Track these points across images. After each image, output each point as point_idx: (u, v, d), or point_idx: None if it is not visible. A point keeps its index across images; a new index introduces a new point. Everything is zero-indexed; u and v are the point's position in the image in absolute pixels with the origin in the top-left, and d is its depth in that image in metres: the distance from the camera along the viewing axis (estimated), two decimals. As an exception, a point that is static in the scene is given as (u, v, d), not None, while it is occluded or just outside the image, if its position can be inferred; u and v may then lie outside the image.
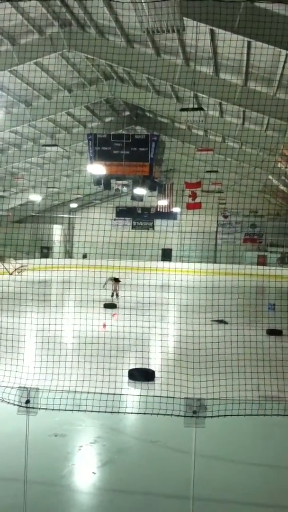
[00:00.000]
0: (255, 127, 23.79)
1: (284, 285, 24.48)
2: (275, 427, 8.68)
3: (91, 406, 6.97)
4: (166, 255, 42.74)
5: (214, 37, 15.36)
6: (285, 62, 14.88)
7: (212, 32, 14.90)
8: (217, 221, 44.13)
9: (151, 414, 6.30)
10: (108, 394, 6.96)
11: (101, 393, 6.98)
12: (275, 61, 15.24)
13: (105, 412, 6.64)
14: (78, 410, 7.00)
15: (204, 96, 20.59)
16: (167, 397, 6.32)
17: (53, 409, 6.56)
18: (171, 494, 6.74)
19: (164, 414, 6.10)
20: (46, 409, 6.36)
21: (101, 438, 8.45)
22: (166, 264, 38.79)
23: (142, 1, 10.48)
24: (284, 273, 25.71)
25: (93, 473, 7.37)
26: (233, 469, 7.58)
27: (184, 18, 12.08)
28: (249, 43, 14.51)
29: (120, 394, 7.60)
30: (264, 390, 9.80)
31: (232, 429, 8.52)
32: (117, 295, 23.79)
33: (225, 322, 17.53)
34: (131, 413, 8.03)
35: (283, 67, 15.33)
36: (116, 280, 24.02)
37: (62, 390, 6.97)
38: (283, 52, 13.95)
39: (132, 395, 8.94)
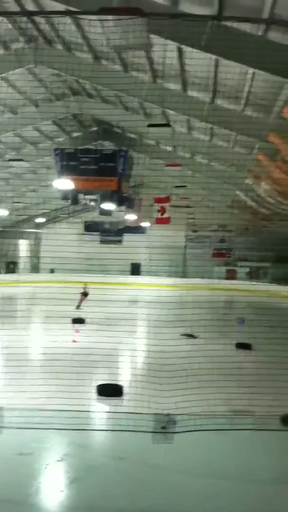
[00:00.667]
0: (223, 143, 24.05)
1: (252, 299, 24.70)
2: (244, 441, 8.66)
3: (58, 424, 6.87)
4: (135, 269, 42.69)
5: (182, 55, 15.51)
6: (252, 79, 15.09)
7: (179, 50, 15.05)
8: (186, 235, 44.35)
9: (119, 430, 6.23)
10: (74, 411, 6.86)
11: (68, 411, 6.87)
12: (242, 79, 15.46)
13: (72, 429, 6.53)
14: (44, 428, 6.88)
15: (172, 112, 20.74)
16: (135, 413, 6.26)
17: (18, 428, 6.44)
18: (140, 510, 6.64)
19: (132, 431, 6.03)
20: (11, 427, 6.23)
21: (69, 456, 8.30)
22: (135, 278, 38.74)
23: (109, 18, 10.51)
24: (252, 288, 25.92)
25: (61, 491, 7.24)
26: (203, 484, 7.52)
27: (151, 36, 12.17)
28: (216, 60, 14.68)
29: (87, 411, 7.49)
30: (233, 405, 9.82)
31: (201, 444, 8.46)
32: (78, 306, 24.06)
33: (194, 337, 17.57)
34: (99, 430, 7.92)
35: (250, 85, 15.54)
36: (85, 295, 24.20)
37: (28, 409, 6.84)
38: (250, 69, 14.15)
39: (99, 412, 8.85)
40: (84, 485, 7.50)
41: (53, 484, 7.49)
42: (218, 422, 6.51)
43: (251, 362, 11.99)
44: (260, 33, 12.35)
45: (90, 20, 12.23)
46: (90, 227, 46.55)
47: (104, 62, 18.45)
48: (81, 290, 24.72)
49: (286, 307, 28.72)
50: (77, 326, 18.76)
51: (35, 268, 45.94)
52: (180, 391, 9.45)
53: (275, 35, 12.19)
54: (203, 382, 9.97)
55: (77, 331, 17.50)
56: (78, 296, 23.76)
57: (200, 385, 9.62)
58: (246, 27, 12.02)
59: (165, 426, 5.47)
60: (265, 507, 6.99)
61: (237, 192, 30.99)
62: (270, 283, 36.33)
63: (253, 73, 14.36)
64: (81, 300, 24.00)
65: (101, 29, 11.92)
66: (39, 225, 46.75)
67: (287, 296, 34.10)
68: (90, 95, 23.60)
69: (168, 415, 5.59)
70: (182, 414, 6.24)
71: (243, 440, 8.60)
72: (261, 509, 6.93)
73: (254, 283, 29.42)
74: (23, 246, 45.97)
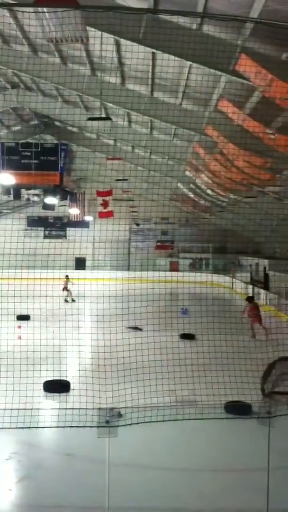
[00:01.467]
0: (163, 136, 24.24)
1: (196, 291, 25.03)
2: (190, 430, 8.82)
3: (4, 422, 6.80)
4: (80, 264, 42.50)
5: (120, 48, 15.52)
6: (189, 72, 15.27)
7: (117, 43, 15.05)
8: (130, 229, 44.49)
9: (64, 427, 6.24)
10: (20, 409, 6.81)
11: (13, 409, 6.82)
12: (179, 72, 15.63)
13: (17, 428, 6.49)
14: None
15: (112, 105, 20.74)
16: (79, 408, 6.28)
17: None
18: (88, 506, 6.69)
19: (77, 426, 6.05)
20: None
21: (17, 454, 8.25)
22: (80, 273, 38.57)
23: (44, 10, 10.39)
24: (195, 279, 26.24)
25: (9, 490, 7.19)
26: (149, 476, 7.64)
27: (88, 28, 12.12)
28: (153, 54, 14.77)
29: (32, 409, 7.45)
30: (179, 395, 9.98)
31: (147, 436, 8.57)
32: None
33: (139, 329, 17.67)
34: (44, 427, 7.89)
35: (187, 78, 15.72)
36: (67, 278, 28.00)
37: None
38: (187, 63, 14.31)
39: (45, 409, 8.81)
40: (32, 483, 7.48)
41: (1, 483, 7.43)
42: (162, 413, 6.61)
43: (195, 352, 12.18)
44: (195, 26, 12.51)
45: (24, 12, 12.06)
46: (33, 222, 45.99)
47: (42, 55, 18.22)
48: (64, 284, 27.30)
49: (227, 297, 29.35)
50: (22, 323, 18.56)
51: (-24, 265, 45.03)
52: (128, 383, 9.55)
53: (209, 29, 12.37)
54: (148, 374, 10.08)
55: (19, 327, 17.31)
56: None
57: (145, 377, 9.73)
58: (181, 20, 12.15)
59: (108, 420, 5.51)
60: (210, 495, 7.15)
61: (178, 184, 31.31)
62: (211, 273, 36.95)
63: (190, 66, 14.54)
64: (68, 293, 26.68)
65: (37, 22, 11.79)
66: (-20, 221, 45.71)
67: (227, 287, 34.85)
68: (29, 88, 23.26)
69: (112, 409, 5.64)
70: (126, 407, 6.32)
71: (187, 430, 8.76)
72: (207, 497, 7.09)
73: (196, 274, 29.82)
74: None
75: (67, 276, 28.84)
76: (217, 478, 7.69)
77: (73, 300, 27.10)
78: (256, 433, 7.26)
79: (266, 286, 28.90)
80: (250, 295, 23.47)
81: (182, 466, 7.97)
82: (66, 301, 26.42)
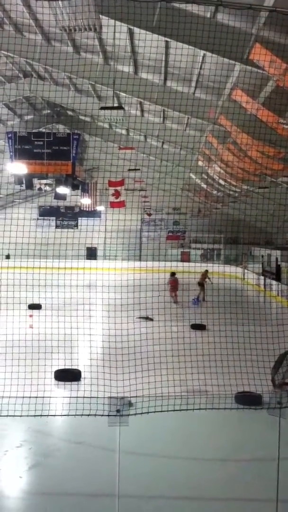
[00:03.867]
0: (176, 126, 24.14)
1: (207, 281, 25.03)
2: (200, 420, 8.85)
3: (15, 410, 6.86)
4: (91, 254, 42.58)
5: (133, 37, 15.45)
6: (202, 62, 15.18)
7: (130, 32, 14.98)
8: (141, 219, 44.45)
9: (75, 415, 6.27)
10: (31, 397, 6.86)
11: (24, 397, 6.87)
12: (193, 61, 15.53)
13: (28, 416, 6.54)
14: (2, 416, 6.86)
15: (124, 95, 20.67)
16: (90, 397, 6.31)
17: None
18: (98, 493, 6.74)
19: (88, 415, 6.08)
20: None
21: (27, 442, 8.32)
22: (91, 263, 38.66)
23: (58, -2, 10.38)
24: (205, 269, 26.30)
25: (20, 477, 7.25)
26: (159, 465, 7.68)
27: (101, 17, 12.08)
28: (167, 43, 14.69)
29: (43, 397, 7.50)
30: (189, 386, 10.00)
31: (158, 425, 8.61)
32: None
33: (150, 319, 17.71)
34: (55, 415, 7.94)
35: (200, 67, 15.62)
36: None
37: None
38: (201, 52, 14.21)
39: (56, 397, 8.86)
40: (43, 470, 7.54)
41: (12, 471, 7.50)
42: (172, 403, 6.63)
43: (206, 342, 12.19)
44: (209, 15, 12.41)
45: (37, 0, 12.04)
46: (45, 211, 46.12)
47: (55, 43, 18.18)
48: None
49: (238, 288, 29.24)
50: (34, 312, 18.66)
51: (-11, 254, 45.23)
52: (138, 373, 9.57)
53: (223, 17, 12.27)
54: (160, 364, 10.10)
55: (31, 316, 17.41)
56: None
57: (156, 367, 9.75)
58: (195, 9, 12.06)
59: (119, 409, 5.53)
60: (219, 485, 7.18)
61: (190, 174, 31.19)
62: (223, 264, 36.87)
63: (203, 56, 14.44)
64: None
65: (51, 10, 11.77)
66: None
67: (239, 277, 34.74)
68: (42, 77, 23.24)
69: (122, 398, 5.67)
70: (137, 396, 6.35)
71: (197, 420, 8.78)
72: (216, 487, 7.12)
73: (208, 264, 29.81)
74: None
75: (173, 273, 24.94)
76: (226, 468, 7.72)
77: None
78: (266, 423, 7.27)
79: (278, 277, 28.77)
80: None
81: (192, 456, 8.00)
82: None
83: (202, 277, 25.13)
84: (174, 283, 23.59)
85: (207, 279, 25.23)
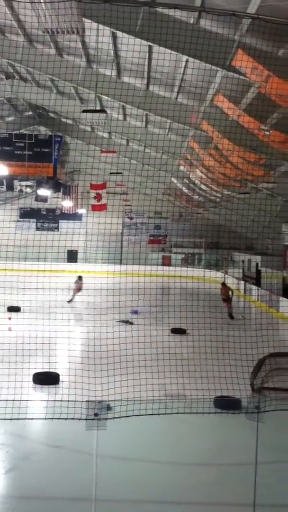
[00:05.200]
0: (158, 130, 24.19)
1: (188, 286, 25.07)
2: (179, 425, 8.84)
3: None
4: (72, 256, 42.43)
5: (116, 40, 15.44)
6: (185, 67, 15.23)
7: (113, 35, 14.97)
8: (123, 222, 44.42)
9: (53, 419, 6.23)
10: (9, 400, 6.80)
11: (2, 400, 6.80)
12: (176, 66, 15.58)
13: (5, 419, 6.48)
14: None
15: (107, 98, 20.66)
16: (68, 401, 6.28)
17: None
18: (75, 497, 6.70)
19: (66, 418, 6.05)
20: None
21: (5, 445, 8.24)
22: (72, 266, 38.52)
23: (41, 0, 10.32)
24: (187, 274, 26.32)
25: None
26: (136, 469, 7.66)
27: (84, 20, 12.05)
28: (150, 47, 14.71)
29: (20, 400, 7.44)
30: (169, 390, 10.00)
31: (136, 429, 8.59)
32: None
33: (130, 323, 17.71)
34: (33, 418, 7.89)
35: (183, 72, 15.68)
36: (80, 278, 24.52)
37: None
38: (184, 57, 14.26)
39: (34, 401, 8.80)
40: (20, 474, 7.48)
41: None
42: (151, 407, 6.63)
43: (185, 347, 12.21)
44: (192, 21, 12.47)
45: (20, 2, 11.97)
46: (26, 213, 45.85)
47: (38, 45, 18.11)
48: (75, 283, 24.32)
49: (218, 292, 29.32)
50: (12, 314, 18.50)
51: None
52: (118, 376, 9.55)
53: (206, 23, 12.33)
54: (138, 368, 10.09)
55: (9, 318, 17.27)
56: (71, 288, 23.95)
57: (135, 371, 9.73)
58: (178, 14, 12.10)
59: (97, 413, 5.51)
60: (197, 489, 7.18)
61: (172, 179, 31.27)
62: (204, 269, 37.01)
63: (186, 61, 14.50)
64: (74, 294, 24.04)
65: (33, 12, 11.71)
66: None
67: (219, 282, 34.87)
68: (24, 79, 23.12)
69: (100, 401, 5.64)
70: (115, 400, 6.33)
71: (176, 424, 8.78)
72: (194, 491, 7.12)
73: (189, 269, 29.89)
74: None
75: (80, 277, 24.84)
76: (205, 472, 7.72)
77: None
78: (244, 428, 7.29)
79: (258, 282, 28.98)
80: None
81: (170, 460, 8.00)
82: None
83: (224, 292, 22.14)
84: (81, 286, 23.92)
85: (229, 291, 22.19)
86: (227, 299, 21.82)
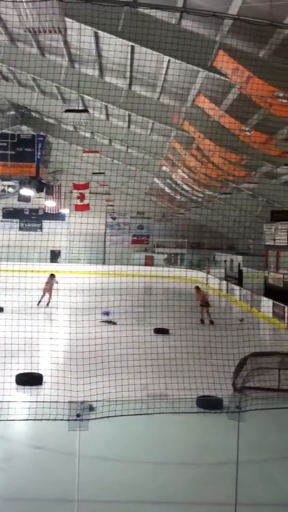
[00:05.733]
0: (140, 131, 24.23)
1: (170, 286, 25.11)
2: (161, 424, 8.87)
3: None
4: (55, 257, 42.30)
5: (98, 40, 15.44)
6: (167, 67, 15.28)
7: (96, 35, 14.97)
8: (106, 223, 44.38)
9: (35, 420, 6.22)
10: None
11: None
12: (157, 67, 15.63)
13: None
14: None
15: (89, 98, 20.64)
16: (50, 402, 6.26)
17: None
18: (57, 498, 6.68)
19: (48, 419, 6.04)
20: None
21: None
22: (55, 266, 38.39)
23: (23, 0, 10.29)
24: (170, 274, 26.37)
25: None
26: (119, 469, 7.66)
27: (66, 19, 12.04)
28: (132, 47, 14.74)
29: (2, 402, 7.40)
30: (151, 390, 10.02)
31: (119, 430, 8.59)
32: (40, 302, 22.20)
33: (113, 323, 17.69)
34: (14, 420, 7.85)
35: (165, 73, 15.73)
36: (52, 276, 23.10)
37: None
38: (166, 58, 14.31)
39: (17, 402, 8.75)
40: (2, 475, 7.44)
41: None
42: (133, 407, 6.64)
43: (168, 347, 12.25)
44: (174, 21, 12.52)
45: (1, 1, 11.90)
46: (8, 213, 45.58)
47: (20, 44, 18.03)
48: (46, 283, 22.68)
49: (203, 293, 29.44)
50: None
51: None
52: (100, 377, 9.54)
53: (187, 24, 12.39)
54: (120, 368, 10.09)
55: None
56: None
57: (117, 371, 9.74)
58: (160, 15, 12.14)
59: (79, 413, 5.51)
60: (180, 488, 7.20)
61: (155, 179, 31.34)
62: (186, 269, 37.13)
63: (168, 61, 14.55)
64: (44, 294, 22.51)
65: (15, 11, 11.67)
66: None
67: (202, 282, 35.02)
68: (6, 78, 22.99)
69: (82, 402, 5.64)
70: (97, 401, 6.33)
71: (158, 424, 8.80)
72: (176, 491, 7.15)
73: (171, 269, 29.97)
74: None
75: (52, 275, 23.46)
76: (187, 472, 7.75)
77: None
78: (226, 427, 7.33)
79: (240, 282, 29.15)
80: None
81: (152, 460, 8.01)
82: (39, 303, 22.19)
83: (202, 298, 20.72)
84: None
85: (205, 296, 21.02)
86: (205, 304, 20.29)
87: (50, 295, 22.72)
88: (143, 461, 7.95)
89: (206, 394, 9.75)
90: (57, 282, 22.98)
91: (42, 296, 22.39)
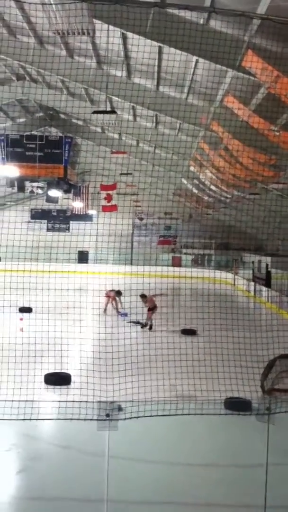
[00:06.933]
0: (168, 131, 24.21)
1: (198, 286, 25.04)
2: (189, 426, 8.85)
3: (5, 414, 6.84)
4: (83, 257, 42.54)
5: (126, 41, 15.49)
6: (195, 68, 15.25)
7: (123, 36, 15.02)
8: (133, 223, 44.45)
9: (65, 419, 6.26)
10: (21, 401, 6.84)
11: (14, 401, 6.84)
12: (186, 67, 15.60)
13: (17, 419, 6.52)
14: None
15: (117, 99, 20.72)
16: (80, 401, 6.30)
17: None
18: (86, 498, 6.72)
19: (78, 419, 6.08)
20: None
21: (16, 446, 8.28)
22: (83, 266, 38.64)
23: (52, 2, 10.39)
24: (197, 275, 26.33)
25: (9, 481, 7.22)
26: (147, 470, 7.66)
27: (95, 21, 12.12)
28: (160, 48, 14.74)
29: (32, 401, 7.48)
30: (179, 391, 10.00)
31: (146, 430, 8.59)
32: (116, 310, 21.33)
33: (141, 324, 17.73)
34: (44, 419, 7.92)
35: (193, 73, 15.69)
36: (118, 293, 21.40)
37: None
38: (194, 58, 14.28)
39: (46, 401, 8.84)
40: (31, 475, 7.51)
41: (1, 475, 7.46)
42: (162, 408, 6.65)
43: (196, 348, 12.21)
44: (202, 21, 12.48)
45: (30, 3, 12.04)
46: (37, 214, 46.00)
47: (49, 47, 18.19)
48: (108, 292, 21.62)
49: (229, 293, 29.32)
50: (24, 315, 18.59)
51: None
52: (129, 377, 9.57)
53: (216, 24, 12.34)
54: (149, 369, 10.11)
55: (21, 319, 17.35)
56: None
57: (145, 372, 9.76)
58: (188, 15, 12.13)
59: (108, 413, 5.53)
60: (208, 490, 7.18)
61: (182, 180, 31.27)
62: (214, 270, 36.99)
63: (196, 61, 14.51)
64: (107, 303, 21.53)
65: (44, 13, 11.79)
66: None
67: (229, 283, 34.84)
68: (35, 80, 23.24)
69: (112, 402, 5.67)
70: (126, 401, 6.35)
71: (186, 425, 8.78)
72: (204, 492, 7.13)
73: (199, 269, 29.90)
74: None
75: (119, 293, 21.39)
76: (215, 473, 7.72)
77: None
78: (255, 429, 7.29)
79: (268, 284, 28.90)
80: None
81: (180, 461, 8.00)
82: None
83: (151, 302, 18.60)
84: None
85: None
86: (153, 308, 18.58)
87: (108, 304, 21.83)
88: (172, 462, 7.94)
89: (234, 395, 9.71)
90: (121, 302, 21.46)
91: (106, 304, 21.72)
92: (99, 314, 16.30)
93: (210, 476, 7.61)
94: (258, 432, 6.67)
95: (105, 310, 21.40)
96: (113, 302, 21.68)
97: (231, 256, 41.21)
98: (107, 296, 21.61)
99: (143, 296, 18.45)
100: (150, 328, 17.81)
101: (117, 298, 21.56)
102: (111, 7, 11.25)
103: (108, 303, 21.66)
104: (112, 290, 21.57)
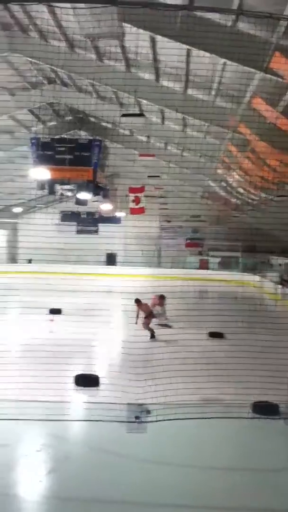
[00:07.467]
0: (196, 133, 24.20)
1: (225, 289, 24.97)
2: (218, 429, 8.84)
3: (36, 414, 6.95)
4: (111, 259, 42.70)
5: (155, 44, 15.57)
6: (223, 70, 15.23)
7: (152, 39, 15.10)
8: (160, 226, 44.44)
9: (94, 421, 6.34)
10: (51, 402, 6.95)
11: (44, 401, 6.95)
12: (213, 69, 15.60)
13: (48, 420, 6.62)
14: (22, 419, 6.94)
15: (146, 102, 20.81)
16: (109, 403, 6.37)
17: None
18: (115, 500, 6.78)
19: (107, 421, 6.14)
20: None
21: (46, 446, 8.38)
22: (111, 269, 38.80)
23: (82, 6, 10.52)
24: (225, 277, 26.24)
25: (39, 481, 7.33)
26: (176, 473, 7.68)
27: (124, 25, 12.23)
28: (188, 50, 14.77)
29: (62, 402, 7.59)
30: (206, 394, 10.00)
31: (173, 433, 8.60)
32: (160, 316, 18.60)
33: (169, 326, 17.72)
34: (75, 420, 8.02)
35: (221, 75, 15.68)
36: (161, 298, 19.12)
37: (5, 400, 6.90)
38: (221, 60, 14.28)
39: (76, 403, 8.93)
40: (61, 475, 7.60)
41: (32, 475, 7.58)
42: (190, 411, 6.67)
43: (223, 351, 12.18)
44: (230, 23, 12.48)
45: (61, 8, 12.20)
46: (66, 217, 46.31)
47: (79, 51, 18.40)
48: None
49: (257, 296, 29.13)
50: (54, 316, 18.80)
51: (12, 259, 45.46)
52: (154, 380, 9.61)
53: (243, 26, 12.33)
54: (176, 372, 10.12)
55: (51, 320, 17.54)
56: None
57: (173, 375, 9.76)
58: (216, 17, 12.14)
59: (138, 416, 5.59)
60: (236, 494, 7.17)
61: (210, 182, 31.18)
62: (241, 272, 36.76)
63: (224, 64, 14.51)
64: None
65: (75, 18, 11.95)
66: (16, 215, 46.31)
67: (257, 286, 34.57)
68: (65, 84, 23.51)
69: (141, 405, 5.72)
70: (155, 403, 6.39)
71: (214, 429, 8.77)
72: (232, 496, 7.12)
73: (226, 272, 29.73)
74: (0, 237, 45.40)
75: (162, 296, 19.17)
76: (241, 478, 7.70)
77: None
78: (283, 433, 7.26)
79: (296, 286, 28.60)
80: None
81: (208, 464, 7.98)
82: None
83: (146, 309, 17.38)
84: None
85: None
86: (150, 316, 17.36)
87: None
88: (199, 465, 7.93)
89: (262, 399, 9.66)
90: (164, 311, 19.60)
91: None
92: (128, 317, 16.35)
93: (236, 481, 7.59)
94: (286, 436, 6.64)
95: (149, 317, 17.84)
96: (159, 307, 19.26)
97: (258, 259, 40.87)
98: (153, 302, 18.96)
99: (137, 301, 17.13)
100: (152, 336, 16.47)
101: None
102: (140, 10, 11.33)
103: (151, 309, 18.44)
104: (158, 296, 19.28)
